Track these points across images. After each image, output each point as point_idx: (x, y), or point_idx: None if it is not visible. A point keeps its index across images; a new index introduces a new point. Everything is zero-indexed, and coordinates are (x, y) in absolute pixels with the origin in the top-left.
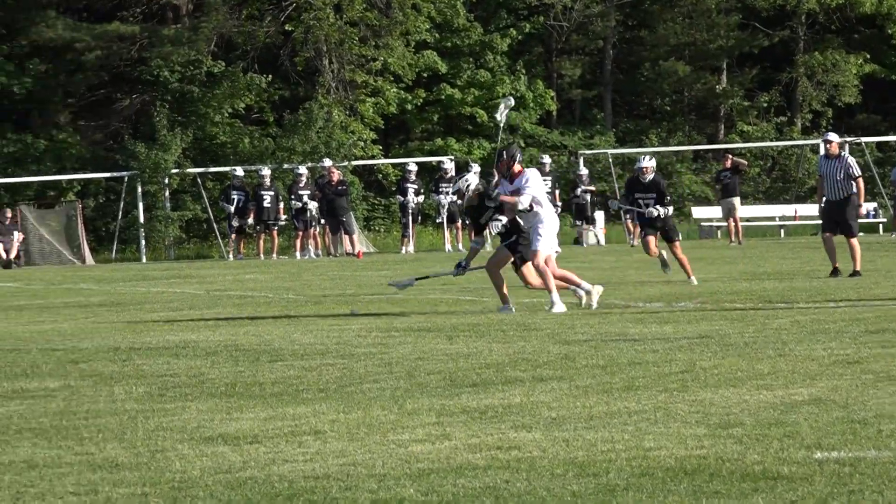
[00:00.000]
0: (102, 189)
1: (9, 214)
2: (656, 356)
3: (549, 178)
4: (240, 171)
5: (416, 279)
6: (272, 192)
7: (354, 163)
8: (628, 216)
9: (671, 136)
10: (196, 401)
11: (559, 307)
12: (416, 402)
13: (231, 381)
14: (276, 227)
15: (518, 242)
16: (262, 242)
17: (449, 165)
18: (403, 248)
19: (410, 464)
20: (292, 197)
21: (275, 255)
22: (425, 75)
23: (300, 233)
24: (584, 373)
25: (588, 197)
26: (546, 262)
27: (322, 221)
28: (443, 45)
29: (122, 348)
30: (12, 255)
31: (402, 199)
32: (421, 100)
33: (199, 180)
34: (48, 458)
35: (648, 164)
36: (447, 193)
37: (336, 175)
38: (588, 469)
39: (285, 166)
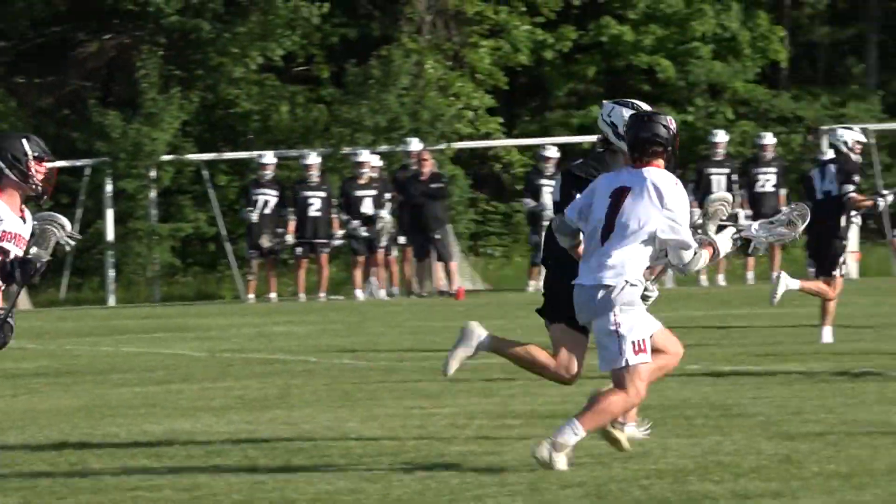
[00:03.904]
0: None
1: None
2: None
3: (774, 168)
4: (270, 159)
5: None
6: (323, 194)
7: (458, 145)
8: None
9: None
10: None
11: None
12: None
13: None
14: (326, 250)
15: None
16: (302, 273)
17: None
18: (532, 282)
19: None
20: (350, 201)
21: (322, 294)
22: (576, 4)
23: (362, 259)
24: (815, 485)
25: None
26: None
27: (401, 240)
28: None
29: (70, 443)
30: None
31: (531, 203)
32: (570, 44)
33: (204, 174)
34: None
35: None
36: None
37: (429, 166)
38: None
39: (345, 150)
